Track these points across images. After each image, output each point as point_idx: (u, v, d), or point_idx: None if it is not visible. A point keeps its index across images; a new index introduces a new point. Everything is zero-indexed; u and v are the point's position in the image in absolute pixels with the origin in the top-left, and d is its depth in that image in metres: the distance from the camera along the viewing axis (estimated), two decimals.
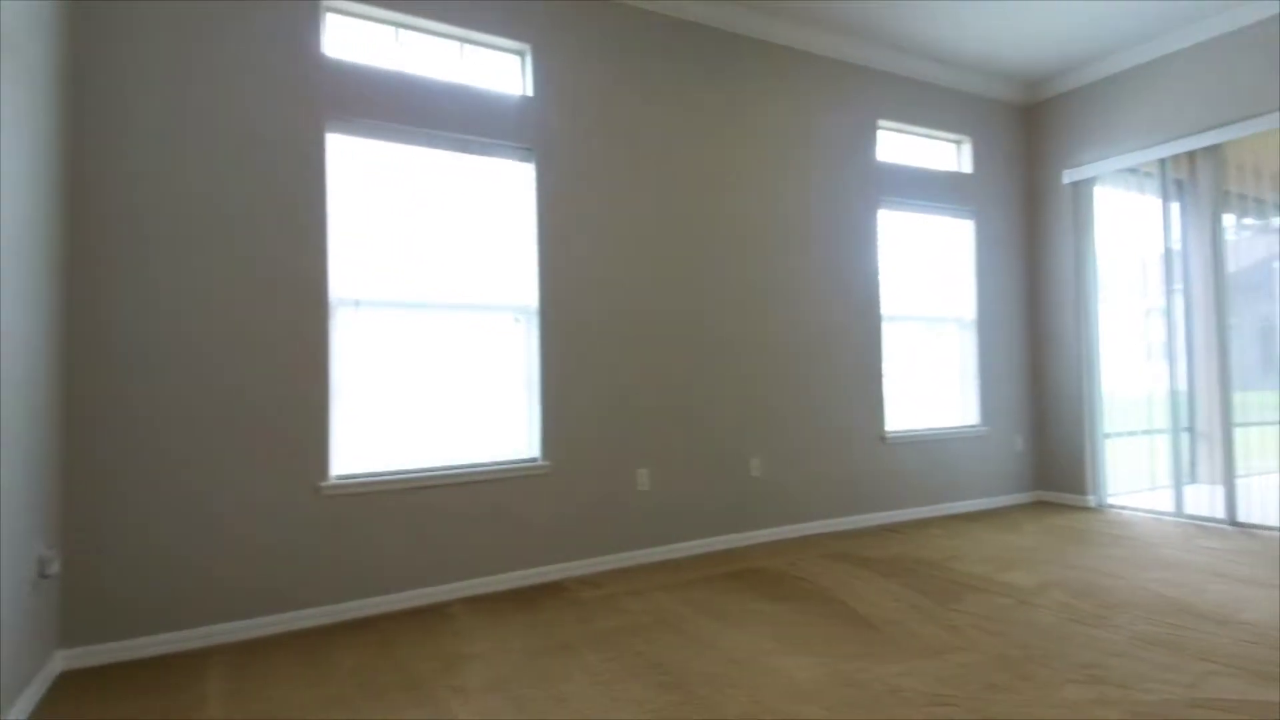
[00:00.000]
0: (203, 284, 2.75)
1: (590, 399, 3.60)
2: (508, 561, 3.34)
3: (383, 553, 3.05)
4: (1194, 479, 4.63)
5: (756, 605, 3.00)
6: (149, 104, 2.68)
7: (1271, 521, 4.13)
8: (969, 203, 5.06)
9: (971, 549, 3.85)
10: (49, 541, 2.39)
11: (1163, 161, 4.63)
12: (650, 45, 3.85)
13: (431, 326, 3.24)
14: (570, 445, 3.53)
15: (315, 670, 2.44)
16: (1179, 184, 4.68)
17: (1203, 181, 4.51)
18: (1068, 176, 5.08)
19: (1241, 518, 4.25)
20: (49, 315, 2.38)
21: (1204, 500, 4.50)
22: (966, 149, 5.13)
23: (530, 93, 3.50)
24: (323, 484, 2.92)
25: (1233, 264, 4.41)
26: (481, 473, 3.28)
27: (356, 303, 3.07)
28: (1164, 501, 4.65)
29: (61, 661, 2.49)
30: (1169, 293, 4.65)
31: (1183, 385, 4.60)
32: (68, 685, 2.38)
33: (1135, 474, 4.86)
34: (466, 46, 3.43)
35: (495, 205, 3.44)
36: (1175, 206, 4.68)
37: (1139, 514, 4.67)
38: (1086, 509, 4.90)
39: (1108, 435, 4.97)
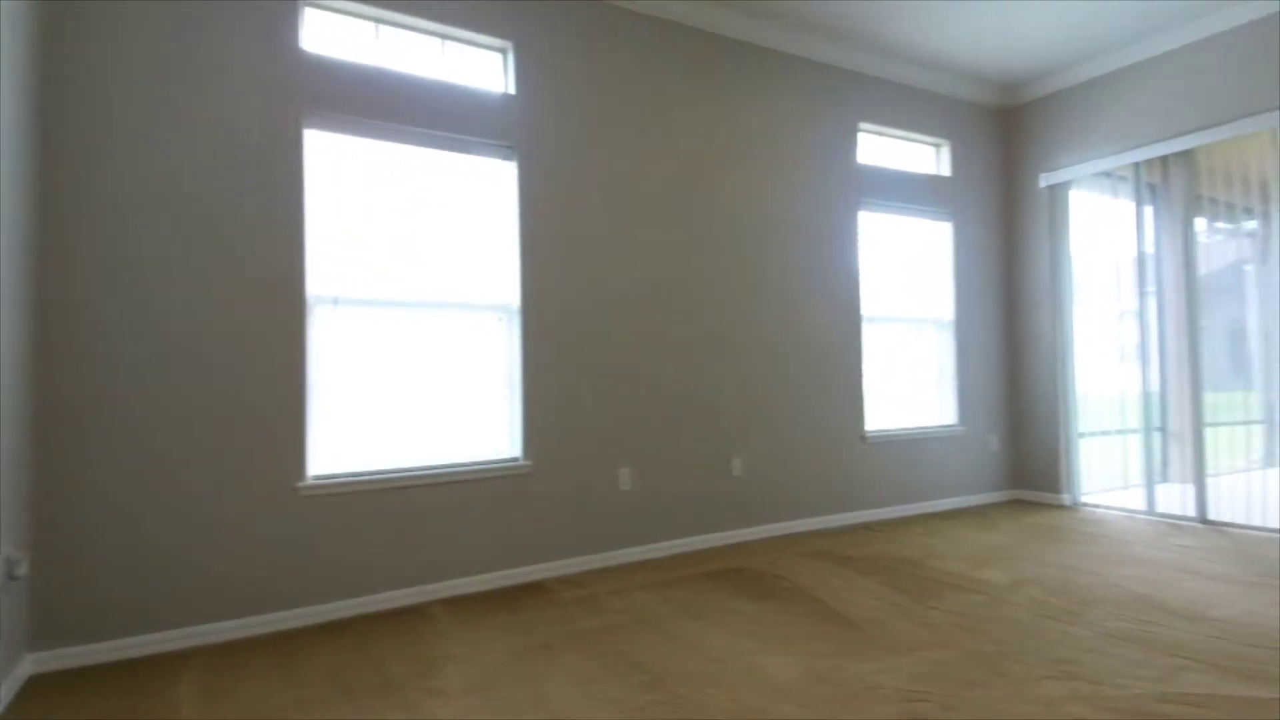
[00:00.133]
0: (176, 282, 2.71)
1: (572, 398, 3.59)
2: (489, 562, 3.32)
3: (361, 554, 3.02)
4: (1165, 478, 4.72)
5: (737, 604, 3.01)
6: (124, 101, 2.63)
7: (1240, 519, 4.22)
8: (947, 205, 5.12)
9: (949, 547, 3.90)
10: (16, 542, 2.34)
11: (1136, 166, 4.72)
12: (634, 45, 3.85)
13: (412, 325, 3.22)
14: (552, 445, 3.52)
15: (291, 672, 2.42)
16: (1152, 188, 4.77)
17: (1175, 186, 4.60)
18: (1044, 180, 5.15)
19: (1211, 516, 4.33)
20: (20, 315, 2.33)
21: (1175, 499, 4.58)
22: (945, 152, 5.19)
23: (512, 90, 3.49)
24: (299, 484, 2.89)
25: (1204, 267, 4.50)
26: (462, 472, 3.26)
27: (335, 301, 3.04)
28: (1136, 500, 4.73)
29: (31, 665, 2.44)
30: (1142, 295, 4.73)
31: (1155, 386, 4.69)
32: (37, 689, 2.33)
33: (1109, 473, 4.94)
34: (447, 43, 3.41)
35: (477, 203, 3.42)
36: (1149, 210, 4.77)
37: (1112, 512, 4.75)
38: (1061, 507, 4.97)
39: (1082, 435, 5.06)
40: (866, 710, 2.04)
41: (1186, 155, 4.48)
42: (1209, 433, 4.39)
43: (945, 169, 5.18)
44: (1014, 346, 5.39)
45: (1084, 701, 2.06)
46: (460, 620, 2.90)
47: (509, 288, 3.48)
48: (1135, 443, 4.77)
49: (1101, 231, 4.97)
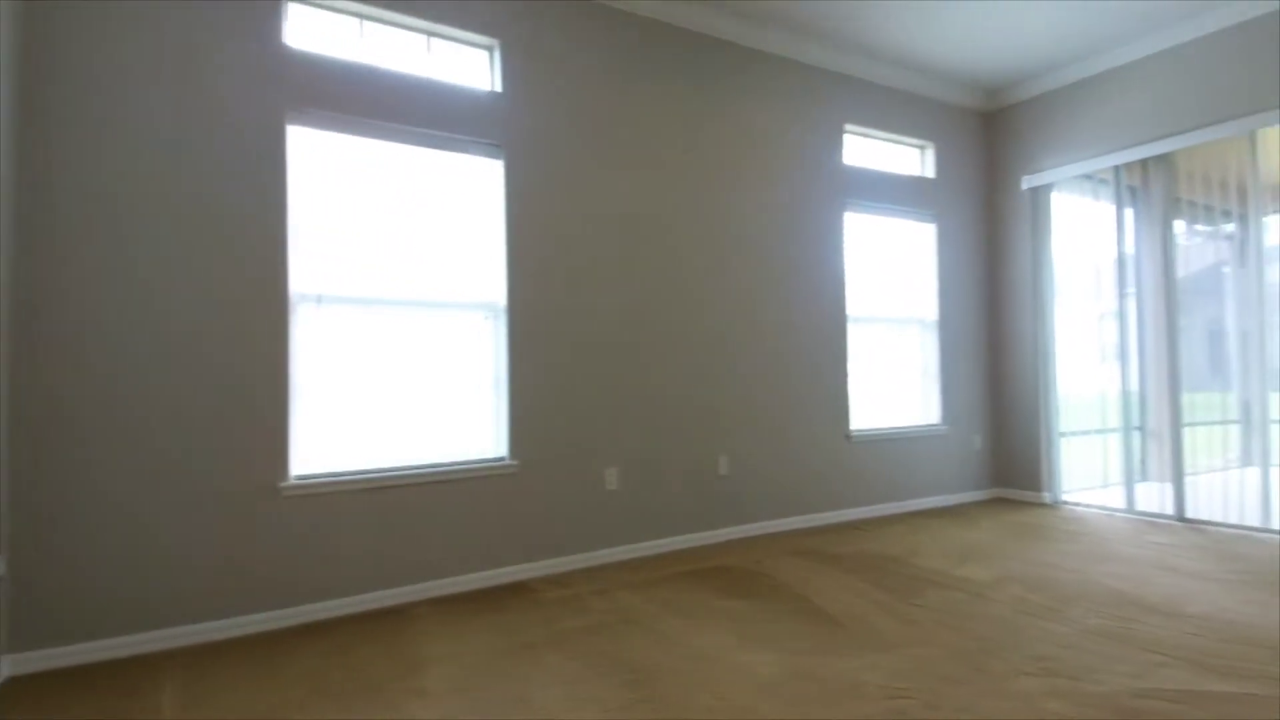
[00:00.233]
0: (155, 279, 2.68)
1: (559, 398, 3.59)
2: (474, 562, 3.31)
3: (344, 554, 3.00)
4: (1145, 476, 4.79)
5: (722, 603, 3.02)
6: (102, 97, 2.60)
7: (1217, 517, 4.28)
8: (931, 206, 5.16)
9: (932, 545, 3.93)
10: None
11: (1117, 169, 4.78)
12: (621, 45, 3.85)
13: (397, 324, 3.20)
14: (538, 444, 3.52)
15: (271, 674, 2.40)
16: (1132, 191, 4.84)
17: (1155, 189, 4.67)
18: (1026, 182, 5.21)
19: (1189, 514, 4.40)
20: None
21: (1154, 497, 4.65)
22: (930, 154, 5.23)
23: (499, 88, 3.48)
24: (282, 484, 2.86)
25: (1183, 269, 4.57)
26: (447, 472, 3.25)
27: (319, 299, 3.02)
28: (1116, 498, 4.80)
29: (9, 666, 2.41)
30: (1122, 296, 4.80)
31: (1134, 386, 4.75)
32: (15, 691, 2.29)
33: (1089, 472, 5.01)
34: (434, 40, 3.40)
35: (463, 202, 3.41)
36: (1129, 212, 4.83)
37: (1092, 510, 4.81)
38: (1042, 505, 5.03)
39: (1063, 434, 5.12)
40: (849, 707, 2.05)
41: (1166, 159, 4.54)
42: (1187, 432, 4.46)
43: (929, 171, 5.22)
44: (997, 347, 5.45)
45: (1062, 697, 2.08)
46: (444, 621, 2.89)
47: (495, 286, 3.47)
48: (1115, 442, 4.83)
49: (1082, 233, 5.03)
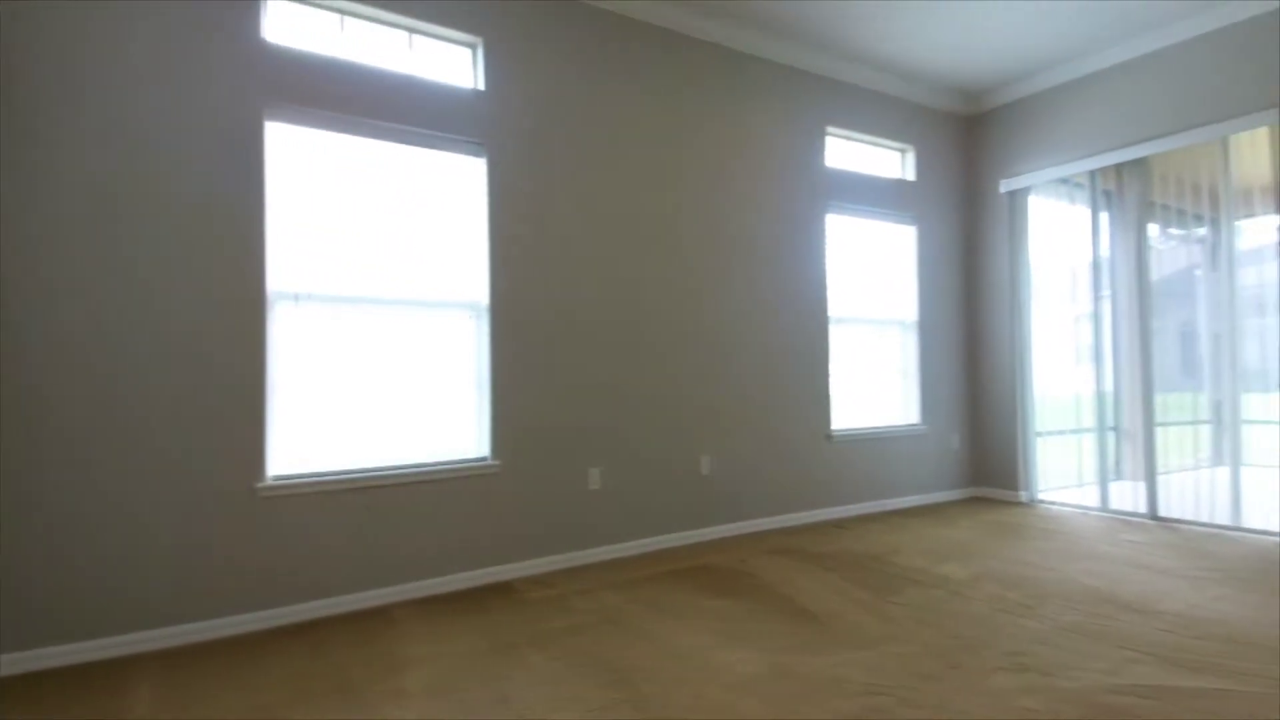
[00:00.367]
0: (129, 277, 2.63)
1: (541, 398, 3.58)
2: (455, 563, 3.30)
3: (323, 555, 2.98)
4: (1119, 476, 4.87)
5: (704, 602, 3.03)
6: (76, 92, 2.55)
7: (1189, 516, 4.37)
8: (911, 209, 5.21)
9: (911, 543, 3.97)
10: None
11: (1092, 173, 4.85)
12: (605, 44, 3.85)
13: (378, 323, 3.18)
14: (521, 444, 3.51)
15: (247, 677, 2.37)
16: (1107, 195, 4.92)
17: (1129, 193, 4.75)
18: (1004, 186, 5.28)
19: (1162, 512, 4.48)
20: None
21: (1127, 496, 4.73)
22: (910, 157, 5.28)
23: (482, 87, 3.46)
24: (259, 485, 2.83)
25: (1157, 272, 4.66)
26: (429, 472, 3.23)
27: (297, 297, 2.98)
28: (1090, 497, 4.88)
29: None
30: (1097, 299, 4.87)
31: (1109, 387, 4.84)
32: None
33: (1064, 471, 5.09)
34: (415, 37, 3.37)
35: (445, 200, 3.39)
36: (1104, 216, 4.91)
37: (1067, 509, 4.88)
38: (1019, 504, 5.10)
39: (1039, 434, 5.19)
40: (827, 704, 2.07)
41: (1140, 163, 4.62)
42: (1160, 432, 4.54)
43: (910, 173, 5.27)
44: (975, 348, 5.52)
45: (1036, 693, 2.11)
46: (424, 622, 2.87)
47: (478, 286, 3.46)
48: (1090, 442, 4.91)
49: (1059, 236, 5.11)
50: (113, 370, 2.59)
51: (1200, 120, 4.24)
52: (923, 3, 4.02)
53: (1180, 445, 4.52)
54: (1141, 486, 4.63)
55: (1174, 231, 4.67)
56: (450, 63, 3.47)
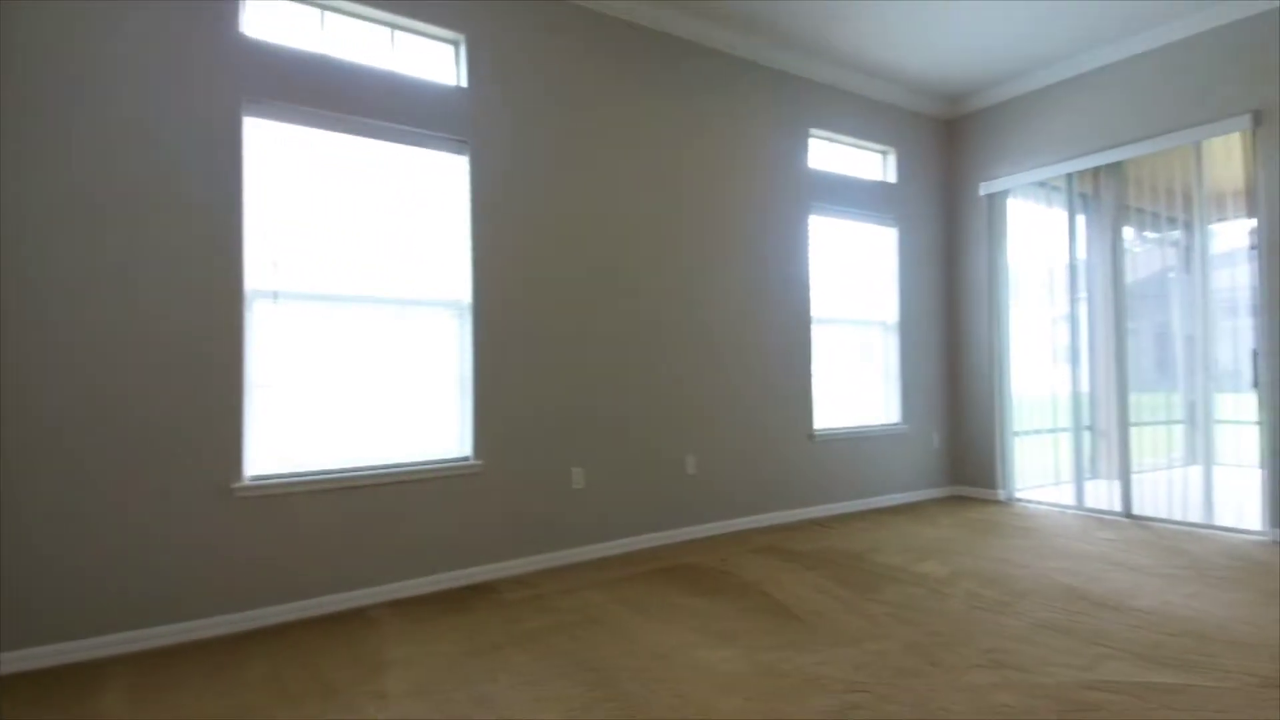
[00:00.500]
0: (103, 275, 2.59)
1: (525, 397, 3.57)
2: (436, 563, 3.28)
3: (301, 556, 2.94)
4: (1094, 474, 4.95)
5: (686, 601, 3.04)
6: (48, 86, 2.50)
7: (1162, 514, 4.45)
8: (893, 211, 5.26)
9: (891, 541, 4.01)
10: None
11: (1069, 177, 4.93)
12: (589, 43, 3.84)
13: (358, 321, 3.15)
14: (504, 444, 3.49)
15: (224, 680, 2.34)
16: (1084, 198, 4.99)
17: (1105, 196, 4.82)
18: (983, 189, 5.34)
19: (1135, 511, 4.56)
20: None
21: (1102, 494, 4.81)
22: (892, 159, 5.33)
23: (465, 84, 3.44)
24: (235, 485, 2.79)
25: (1133, 274, 4.73)
26: (410, 473, 3.20)
27: (275, 295, 2.95)
28: (1066, 495, 4.95)
29: None
30: (1074, 300, 4.95)
31: (1085, 387, 4.91)
32: None
33: (1041, 469, 5.16)
34: (397, 34, 3.35)
35: (427, 198, 3.36)
36: (1081, 219, 4.99)
37: (1044, 507, 4.95)
38: (997, 502, 5.16)
39: (1017, 433, 5.26)
40: (808, 701, 2.08)
41: (1116, 167, 4.70)
42: (1134, 432, 4.62)
43: (891, 176, 5.32)
44: (954, 348, 5.58)
45: (1012, 689, 2.14)
46: (405, 623, 2.85)
47: (461, 284, 3.44)
48: (1066, 441, 4.99)
49: (1037, 239, 5.18)
50: (84, 369, 2.55)
51: (1175, 125, 4.32)
52: (904, 8, 4.05)
53: (1154, 444, 4.60)
54: (1116, 485, 4.71)
55: (1149, 234, 4.75)
56: (432, 60, 3.45)
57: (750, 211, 4.48)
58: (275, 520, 2.89)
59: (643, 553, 3.86)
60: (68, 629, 2.50)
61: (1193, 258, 4.40)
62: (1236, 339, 4.27)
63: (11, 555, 2.43)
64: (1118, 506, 4.64)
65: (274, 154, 2.98)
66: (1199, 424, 4.37)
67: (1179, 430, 4.51)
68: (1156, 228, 4.69)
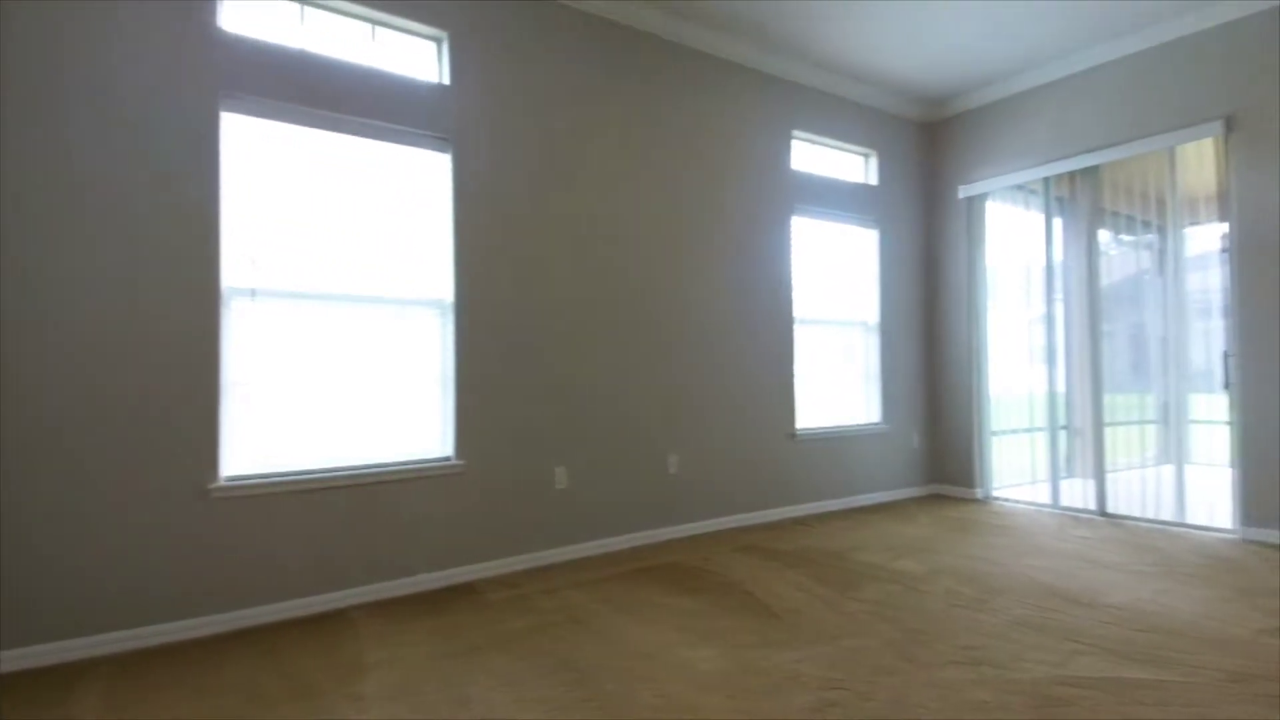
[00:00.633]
0: (76, 271, 2.54)
1: (507, 397, 3.55)
2: (417, 564, 3.26)
3: (280, 557, 2.91)
4: (1069, 473, 5.03)
5: (669, 600, 3.05)
6: (21, 79, 2.46)
7: (1136, 512, 4.53)
8: (874, 213, 5.30)
9: (871, 539, 4.04)
10: None
11: (1046, 180, 5.00)
12: (572, 42, 3.83)
13: (338, 320, 3.12)
14: (486, 444, 3.48)
15: (200, 683, 2.31)
16: (1061, 201, 5.07)
17: (1081, 200, 4.90)
18: (962, 191, 5.41)
19: (1110, 509, 4.63)
20: None
21: (1078, 493, 4.89)
22: (873, 162, 5.37)
23: (447, 81, 3.42)
24: (211, 486, 2.76)
25: (1109, 276, 4.82)
26: (391, 473, 3.18)
27: (253, 293, 2.92)
28: (1043, 494, 5.03)
29: None
30: (1050, 302, 5.02)
31: (1061, 388, 4.99)
32: None
33: (1018, 469, 5.24)
34: (379, 30, 3.32)
35: (409, 196, 3.34)
36: (1058, 222, 5.06)
37: (1020, 505, 5.02)
38: (975, 501, 5.23)
39: (995, 433, 5.33)
40: (787, 698, 2.10)
41: (1092, 171, 4.77)
42: (1109, 431, 4.70)
43: (873, 178, 5.37)
44: (934, 349, 5.64)
45: (987, 685, 2.17)
46: (384, 624, 2.83)
47: (443, 283, 3.42)
48: (1042, 440, 5.06)
49: (1014, 241, 5.25)
50: (58, 368, 2.51)
51: (1149, 131, 4.39)
52: (887, 12, 4.09)
53: (1128, 444, 4.68)
54: (1091, 484, 4.79)
55: (1125, 238, 4.83)
56: (415, 57, 3.42)
57: (734, 212, 4.50)
58: (253, 521, 2.86)
59: (625, 552, 3.86)
60: (42, 632, 2.46)
61: (1166, 261, 4.49)
62: (1209, 340, 4.36)
63: None
64: (1092, 505, 4.72)
65: (253, 150, 2.94)
66: (1172, 424, 4.46)
67: (1152, 430, 4.59)
68: (1131, 231, 4.77)
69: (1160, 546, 3.84)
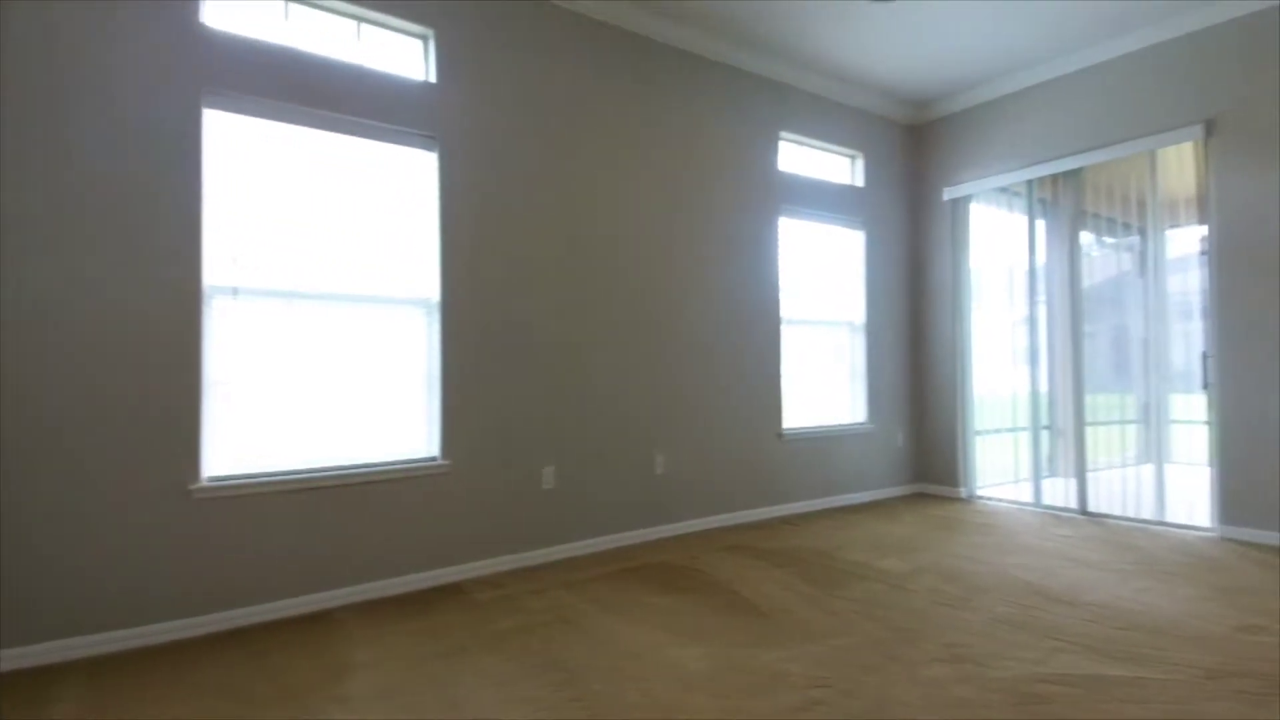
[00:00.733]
0: (54, 269, 2.51)
1: (494, 396, 3.54)
2: (403, 565, 3.24)
3: (264, 558, 2.89)
4: (1052, 472, 5.08)
5: (656, 599, 3.05)
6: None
7: (1116, 511, 4.58)
8: (860, 214, 5.34)
9: (856, 538, 4.07)
10: None
11: (1030, 183, 5.05)
12: (560, 42, 3.83)
13: (323, 319, 3.10)
14: (472, 444, 3.47)
15: (182, 685, 2.29)
16: (1044, 203, 5.12)
17: (1064, 202, 4.95)
18: (947, 193, 5.45)
19: (1091, 508, 4.69)
20: None
21: (1059, 492, 4.95)
22: (860, 164, 5.40)
23: (434, 79, 3.41)
24: (193, 486, 2.73)
25: (1091, 278, 4.87)
26: (376, 473, 3.16)
27: (235, 291, 2.89)
28: (1025, 493, 5.08)
29: None
30: (1033, 303, 5.07)
31: (1043, 388, 5.04)
32: None
33: (1001, 468, 5.29)
34: (364, 27, 3.30)
35: (395, 194, 3.32)
36: (1041, 224, 5.11)
37: (1003, 504, 5.07)
38: (959, 500, 5.28)
39: (978, 432, 5.38)
40: (774, 697, 2.11)
41: (1074, 174, 4.83)
42: (1090, 431, 4.75)
43: (859, 180, 5.40)
44: (919, 349, 5.68)
45: (969, 683, 2.20)
46: (371, 625, 2.82)
47: (429, 282, 3.40)
48: (1025, 440, 5.12)
49: (998, 243, 5.30)
50: (36, 367, 2.47)
51: (1130, 134, 4.45)
52: (874, 13, 4.11)
53: (1109, 443, 4.74)
54: (1073, 483, 4.85)
55: (1107, 240, 4.89)
56: (401, 54, 3.41)
57: (721, 212, 4.51)
58: (236, 522, 2.83)
59: (613, 552, 3.86)
60: (21, 633, 2.42)
61: (1147, 263, 4.55)
62: (1189, 341, 4.42)
63: None
64: (1074, 504, 4.77)
65: (236, 147, 2.91)
66: (1153, 424, 4.52)
67: (1133, 430, 4.65)
68: (1113, 233, 4.83)
69: (1140, 545, 3.89)
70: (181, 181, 2.75)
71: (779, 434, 4.76)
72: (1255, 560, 3.54)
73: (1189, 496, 4.49)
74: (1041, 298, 5.07)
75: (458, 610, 2.96)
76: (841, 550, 3.84)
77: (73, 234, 2.54)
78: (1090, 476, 4.72)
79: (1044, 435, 5.05)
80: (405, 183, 3.36)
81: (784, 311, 4.86)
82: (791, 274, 4.95)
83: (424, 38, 3.45)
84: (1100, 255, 4.90)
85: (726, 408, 4.50)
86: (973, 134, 5.32)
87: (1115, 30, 4.35)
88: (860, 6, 4.03)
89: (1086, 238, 4.87)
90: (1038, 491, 5.00)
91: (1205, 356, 4.17)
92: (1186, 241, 4.48)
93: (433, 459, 3.37)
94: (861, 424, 5.28)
